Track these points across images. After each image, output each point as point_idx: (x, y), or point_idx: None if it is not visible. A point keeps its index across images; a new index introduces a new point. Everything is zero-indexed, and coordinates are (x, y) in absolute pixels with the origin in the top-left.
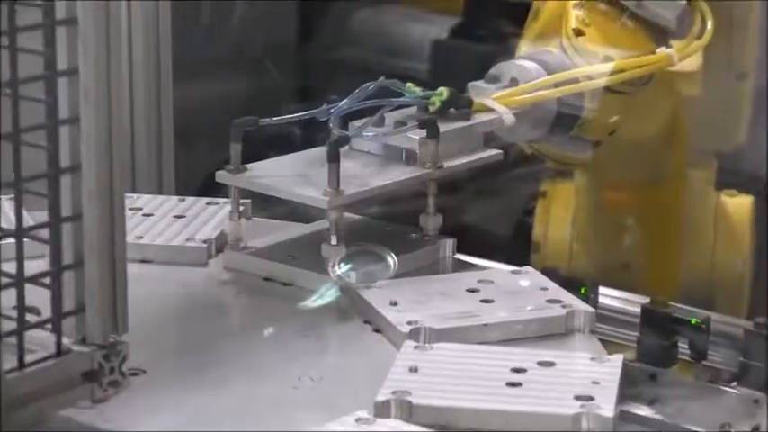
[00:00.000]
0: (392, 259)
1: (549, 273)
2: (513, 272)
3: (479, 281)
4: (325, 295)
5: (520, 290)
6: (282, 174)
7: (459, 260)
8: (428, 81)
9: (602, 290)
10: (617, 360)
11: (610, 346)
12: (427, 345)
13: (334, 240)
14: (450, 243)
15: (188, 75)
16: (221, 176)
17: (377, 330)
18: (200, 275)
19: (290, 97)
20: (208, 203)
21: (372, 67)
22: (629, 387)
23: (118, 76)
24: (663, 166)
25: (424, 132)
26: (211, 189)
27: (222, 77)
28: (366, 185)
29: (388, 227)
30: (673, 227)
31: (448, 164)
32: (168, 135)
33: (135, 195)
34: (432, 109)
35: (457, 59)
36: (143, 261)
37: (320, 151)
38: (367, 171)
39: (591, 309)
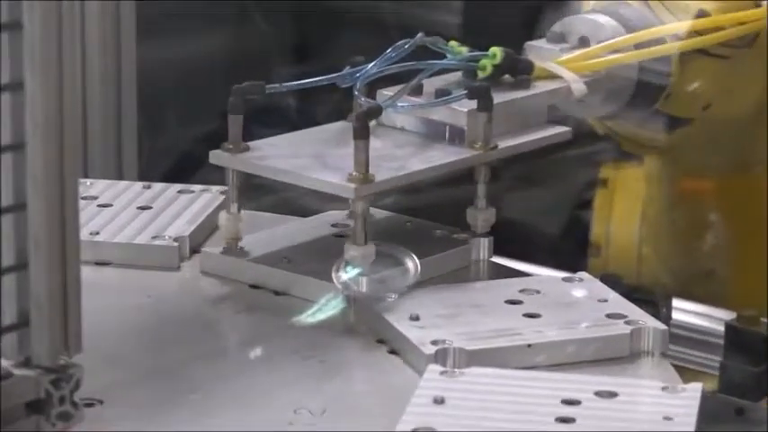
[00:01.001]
0: (413, 263)
1: (611, 280)
2: (564, 279)
3: (522, 290)
4: (328, 308)
5: (573, 302)
6: (294, 154)
7: (496, 264)
8: (460, 39)
9: (676, 302)
10: (695, 390)
11: (686, 372)
12: (456, 370)
13: (361, 239)
14: (485, 243)
15: (154, 31)
16: (217, 157)
17: (393, 352)
18: (170, 282)
19: (284, 57)
20: (180, 191)
21: (387, 18)
22: (711, 424)
23: (71, 33)
24: (756, 149)
25: (473, 104)
26: (184, 173)
27: (197, 33)
28: (402, 170)
29: (407, 222)
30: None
31: (503, 144)
32: (130, 106)
33: (88, 181)
34: (482, 75)
35: (499, 11)
36: (99, 263)
37: (339, 127)
38: (401, 152)
39: (663, 326)
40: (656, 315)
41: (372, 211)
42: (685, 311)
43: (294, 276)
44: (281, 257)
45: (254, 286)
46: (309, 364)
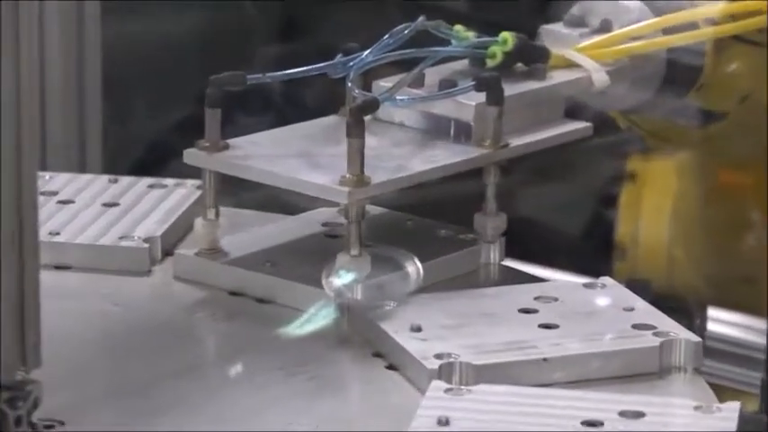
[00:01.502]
0: (414, 267)
1: (638, 286)
2: (585, 285)
3: (538, 298)
4: (319, 317)
5: (595, 310)
6: (280, 153)
7: (509, 268)
8: (465, 22)
9: (712, 312)
10: (732, 410)
11: (722, 390)
12: (462, 387)
13: (355, 249)
14: (496, 244)
15: (122, 6)
16: (193, 156)
17: (392, 367)
18: (140, 288)
19: (267, 36)
20: (151, 186)
21: None
22: None
23: (28, 11)
24: None
25: (481, 96)
26: (154, 165)
27: (170, 8)
28: (401, 171)
29: (408, 220)
30: None
31: (515, 142)
32: (93, 91)
33: (47, 175)
34: (491, 63)
35: None
36: (60, 267)
37: (330, 122)
38: (400, 151)
39: (696, 338)
40: (690, 326)
41: (368, 207)
42: (722, 322)
43: (279, 282)
44: (265, 260)
45: (234, 293)
46: (297, 381)
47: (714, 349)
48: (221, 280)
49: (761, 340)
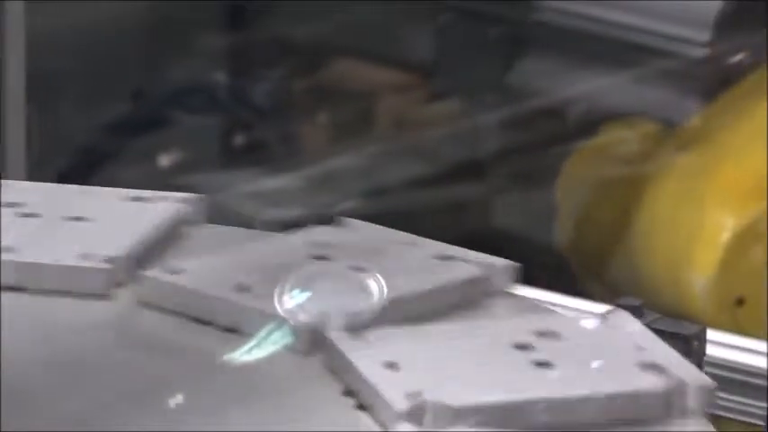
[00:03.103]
0: (377, 284)
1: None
2: (593, 318)
3: (538, 332)
4: (268, 340)
5: (600, 347)
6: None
7: (517, 297)
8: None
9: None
10: None
11: (723, 423)
12: (437, 431)
13: None
14: (504, 270)
15: None
16: None
17: (362, 407)
18: (99, 313)
19: (214, 24)
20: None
21: None
22: None
23: None
24: None
25: None
26: (84, 170)
27: None
28: None
29: (409, 242)
30: None
31: None
32: (16, 87)
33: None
34: None
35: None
36: (9, 289)
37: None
38: None
39: (710, 382)
40: (686, 350)
41: (362, 226)
42: (720, 344)
43: (249, 309)
44: (237, 284)
45: (200, 320)
46: (256, 421)
47: (712, 375)
48: (188, 305)
49: (762, 363)
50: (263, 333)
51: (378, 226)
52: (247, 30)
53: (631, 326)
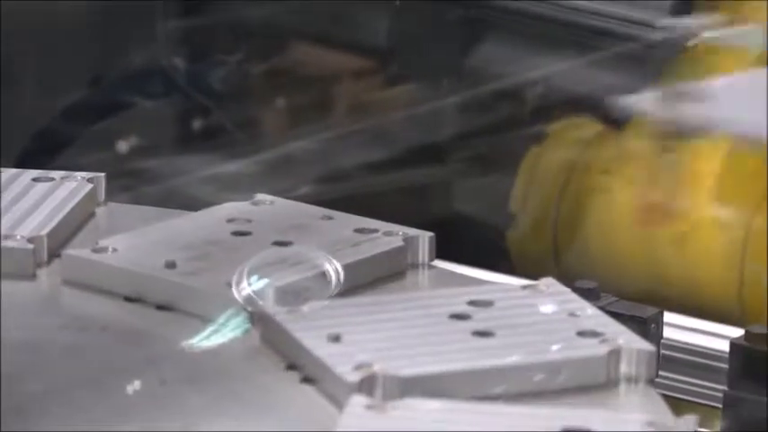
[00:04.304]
0: (333, 268)
1: (584, 288)
2: (524, 287)
3: (472, 302)
4: (227, 327)
5: (536, 316)
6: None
7: (439, 269)
8: None
9: (668, 316)
10: (689, 425)
11: (680, 405)
12: (387, 402)
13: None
14: (425, 242)
15: None
16: None
17: (307, 380)
18: (23, 293)
19: (170, 8)
20: (36, 179)
21: None
22: None
23: None
24: None
25: None
26: (42, 156)
27: None
28: None
29: (326, 217)
30: None
31: None
32: None
33: None
34: None
35: None
36: None
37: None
38: None
39: (650, 346)
40: (644, 332)
41: (279, 201)
42: (680, 327)
43: (180, 286)
44: (165, 262)
45: (129, 299)
46: (203, 399)
47: (671, 358)
48: (115, 283)
49: (722, 346)
50: (199, 310)
51: (293, 201)
52: (204, 14)
53: (563, 294)
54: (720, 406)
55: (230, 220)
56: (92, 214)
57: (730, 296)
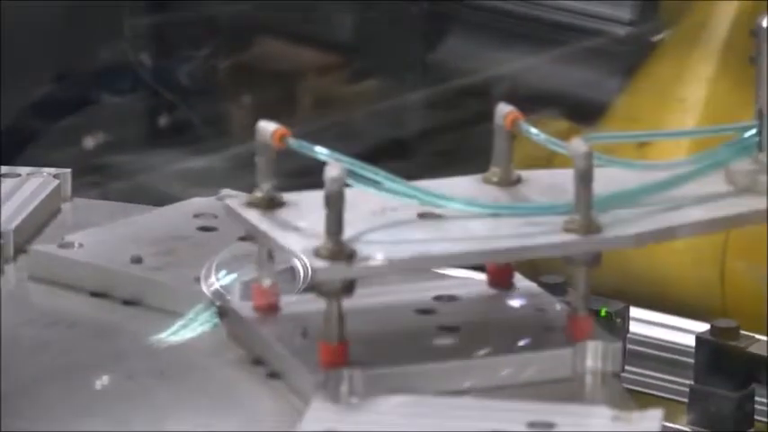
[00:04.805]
0: (300, 263)
1: (551, 284)
2: (489, 282)
3: (436, 297)
4: (195, 322)
5: (502, 310)
6: None
7: None
8: None
9: (635, 311)
10: (654, 419)
11: (645, 399)
12: (353, 398)
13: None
14: None
15: None
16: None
17: (274, 375)
18: None
19: (138, 4)
20: (2, 175)
21: None
22: None
23: None
24: None
25: None
26: (7, 152)
27: None
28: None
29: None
30: None
31: None
32: None
33: None
34: None
35: None
36: None
37: None
38: None
39: (615, 341)
40: (610, 326)
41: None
42: (647, 322)
43: (147, 281)
44: (131, 257)
45: (95, 294)
46: (169, 392)
47: (637, 353)
48: (82, 279)
49: (688, 340)
50: (166, 305)
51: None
52: (171, 11)
53: (529, 290)
54: (686, 400)
55: (197, 216)
56: (58, 210)
57: (713, 293)
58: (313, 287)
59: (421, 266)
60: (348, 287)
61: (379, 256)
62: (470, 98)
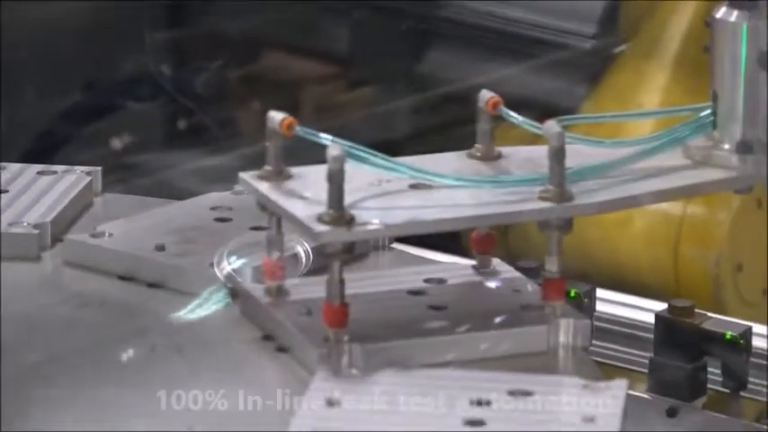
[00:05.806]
0: (303, 250)
1: (527, 268)
2: (474, 266)
3: (426, 280)
4: (210, 301)
5: (484, 291)
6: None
7: (399, 251)
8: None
9: (601, 293)
10: (619, 388)
11: (610, 370)
12: (353, 369)
13: None
14: None
15: None
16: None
17: (281, 349)
18: (29, 274)
19: (158, 20)
20: (40, 172)
21: None
22: (638, 426)
23: None
24: None
25: None
26: (44, 153)
27: None
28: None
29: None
30: None
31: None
32: None
33: None
34: None
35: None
36: None
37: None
38: None
39: (585, 318)
40: (579, 306)
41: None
42: (611, 302)
43: (169, 266)
44: (155, 245)
45: (123, 278)
46: (184, 364)
47: (603, 329)
48: (111, 265)
49: (648, 318)
50: (186, 288)
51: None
52: (188, 25)
53: (508, 273)
54: (646, 371)
55: (213, 208)
56: (90, 203)
57: (667, 276)
58: (315, 270)
59: (413, 231)
60: (348, 249)
61: (375, 221)
62: (453, 104)
